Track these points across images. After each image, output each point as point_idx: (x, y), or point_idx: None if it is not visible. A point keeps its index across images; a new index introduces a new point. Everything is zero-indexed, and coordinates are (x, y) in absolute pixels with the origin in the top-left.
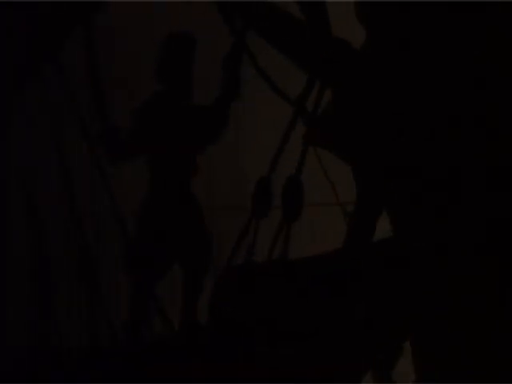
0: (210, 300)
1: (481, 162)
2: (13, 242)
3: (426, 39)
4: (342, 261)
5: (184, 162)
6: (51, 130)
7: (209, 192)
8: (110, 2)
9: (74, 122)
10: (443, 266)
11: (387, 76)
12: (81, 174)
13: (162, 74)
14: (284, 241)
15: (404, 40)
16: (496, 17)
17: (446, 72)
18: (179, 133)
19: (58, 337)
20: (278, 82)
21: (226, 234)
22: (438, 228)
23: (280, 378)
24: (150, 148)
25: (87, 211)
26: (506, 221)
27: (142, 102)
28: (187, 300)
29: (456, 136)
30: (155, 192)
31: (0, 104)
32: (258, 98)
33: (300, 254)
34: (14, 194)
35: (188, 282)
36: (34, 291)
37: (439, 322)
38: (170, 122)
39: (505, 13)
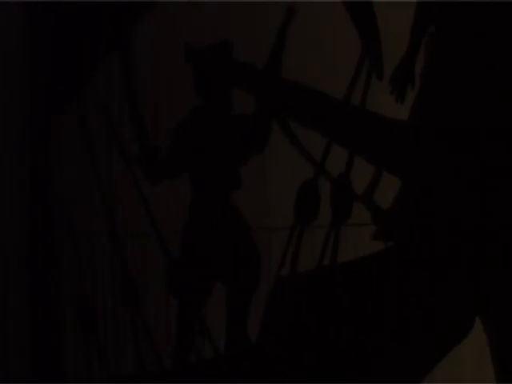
0: (263, 316)
1: None
2: (55, 267)
3: None
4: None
5: (225, 175)
6: (88, 153)
7: None
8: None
9: (112, 143)
10: None
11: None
12: (120, 196)
13: (200, 87)
14: (333, 244)
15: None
16: None
17: None
18: (220, 146)
19: (105, 363)
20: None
21: None
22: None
23: None
24: (191, 164)
25: (128, 234)
26: None
27: (181, 118)
28: (233, 321)
29: None
30: (197, 209)
31: (40, 129)
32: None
33: None
34: (56, 221)
35: (234, 302)
36: (77, 318)
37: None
38: (211, 136)
39: None
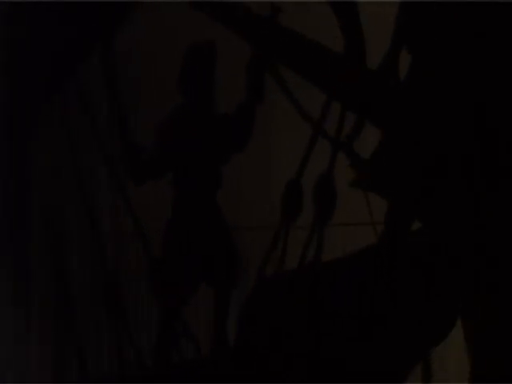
0: (241, 313)
1: None
2: (35, 266)
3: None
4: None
5: (208, 174)
6: (70, 151)
7: (235, 211)
8: (133, 16)
9: (94, 141)
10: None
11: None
12: (102, 196)
13: (184, 86)
14: (316, 246)
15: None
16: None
17: None
18: (202, 144)
19: (85, 364)
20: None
21: (251, 254)
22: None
23: None
24: (174, 164)
25: (110, 233)
26: None
27: (165, 116)
28: (217, 320)
29: None
30: (179, 209)
31: (22, 128)
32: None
33: None
34: (36, 220)
35: (217, 301)
36: (59, 318)
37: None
38: (193, 135)
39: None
